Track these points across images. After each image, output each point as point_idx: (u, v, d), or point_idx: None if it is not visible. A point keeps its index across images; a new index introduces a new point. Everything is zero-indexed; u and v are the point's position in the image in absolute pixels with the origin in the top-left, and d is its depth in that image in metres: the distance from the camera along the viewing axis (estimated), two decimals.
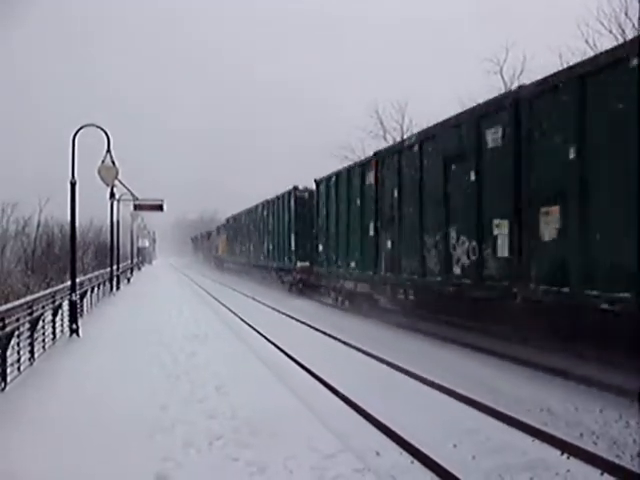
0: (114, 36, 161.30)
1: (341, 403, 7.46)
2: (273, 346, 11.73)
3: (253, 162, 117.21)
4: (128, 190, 26.24)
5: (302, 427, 5.88)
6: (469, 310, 10.87)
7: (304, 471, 4.82)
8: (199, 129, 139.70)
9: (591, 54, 21.80)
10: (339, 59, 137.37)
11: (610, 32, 23.63)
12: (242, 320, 16.11)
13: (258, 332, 13.63)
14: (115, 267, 25.53)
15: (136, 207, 28.78)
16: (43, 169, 54.61)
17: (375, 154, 15.26)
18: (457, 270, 10.85)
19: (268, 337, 12.67)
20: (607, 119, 7.51)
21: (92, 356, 9.89)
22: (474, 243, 10.28)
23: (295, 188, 23.80)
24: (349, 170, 16.95)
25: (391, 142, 39.49)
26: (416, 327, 12.76)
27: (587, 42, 24.23)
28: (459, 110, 12.87)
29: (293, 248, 23.41)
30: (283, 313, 17.45)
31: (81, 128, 12.77)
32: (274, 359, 10.28)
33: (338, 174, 17.73)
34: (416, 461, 5.49)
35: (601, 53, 8.29)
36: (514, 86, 29.45)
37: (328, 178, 18.64)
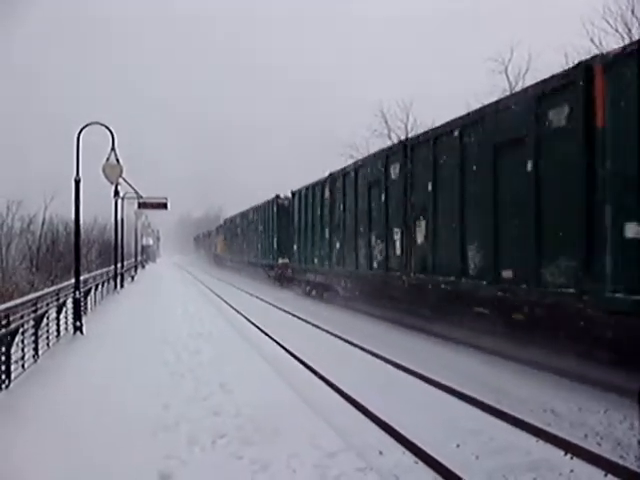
0: (117, 36, 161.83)
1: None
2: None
3: (258, 160, 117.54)
4: (132, 188, 26.34)
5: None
6: (383, 292, 14.92)
7: (307, 469, 4.83)
8: (202, 128, 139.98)
9: (597, 53, 21.76)
10: (343, 57, 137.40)
11: (616, 31, 23.52)
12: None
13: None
14: (119, 265, 25.58)
15: (140, 205, 28.85)
16: (48, 167, 54.71)
17: (330, 174, 18.83)
18: (375, 264, 14.92)
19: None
20: (445, 167, 11.48)
21: (96, 354, 9.91)
22: (384, 245, 14.21)
23: (277, 196, 27.77)
24: (314, 186, 20.51)
25: (396, 140, 39.50)
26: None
27: (592, 41, 24.11)
28: (464, 110, 13.91)
29: (276, 247, 27.28)
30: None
31: (86, 126, 12.79)
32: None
33: (307, 188, 21.36)
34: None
35: (444, 123, 11.97)
36: (519, 85, 29.55)
37: (300, 191, 22.41)
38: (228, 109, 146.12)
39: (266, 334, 13.14)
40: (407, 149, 13.13)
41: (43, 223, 43.74)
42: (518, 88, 29.13)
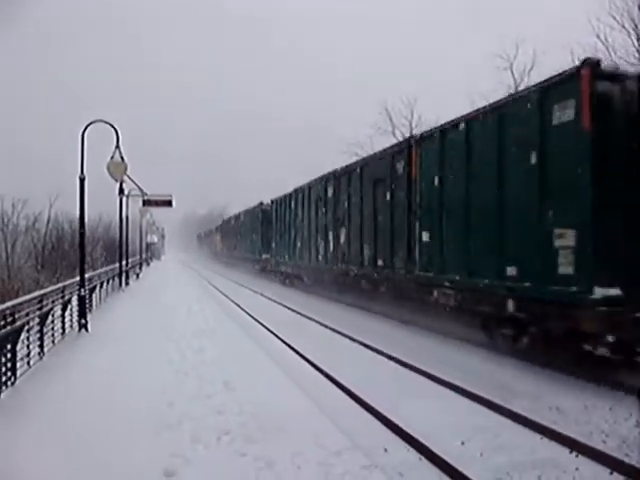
0: (122, 35, 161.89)
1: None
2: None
3: (262, 159, 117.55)
4: (137, 186, 26.27)
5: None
6: (322, 279, 20.42)
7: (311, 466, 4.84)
8: (206, 127, 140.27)
9: (603, 50, 21.71)
10: (349, 54, 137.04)
11: (623, 27, 23.33)
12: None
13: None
14: (124, 263, 25.62)
15: (145, 203, 28.76)
16: (53, 165, 54.84)
17: (294, 189, 24.40)
18: (320, 258, 20.26)
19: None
20: (353, 193, 16.86)
21: (101, 351, 9.92)
22: (324, 244, 19.56)
23: (261, 203, 33.58)
24: (286, 196, 25.93)
25: (400, 138, 39.58)
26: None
27: (598, 37, 23.93)
28: (469, 107, 14.50)
29: (259, 245, 32.92)
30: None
31: (90, 124, 12.79)
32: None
33: (282, 198, 26.67)
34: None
35: (352, 163, 19.03)
36: (524, 82, 29.46)
37: (277, 200, 28.00)
38: (234, 111, 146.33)
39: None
40: (336, 177, 18.77)
41: (48, 221, 43.90)
42: (523, 84, 29.04)
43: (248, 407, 6.37)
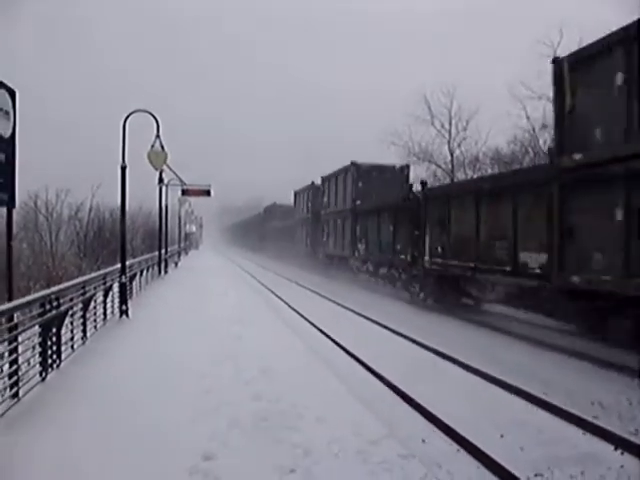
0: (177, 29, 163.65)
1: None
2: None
3: (293, 152, 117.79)
4: (176, 175, 26.63)
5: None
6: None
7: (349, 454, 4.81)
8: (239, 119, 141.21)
9: None
10: (384, 46, 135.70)
11: None
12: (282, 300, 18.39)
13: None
14: (163, 251, 26.01)
15: (184, 192, 29.14)
16: (96, 155, 56.05)
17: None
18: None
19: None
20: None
21: (141, 337, 10.12)
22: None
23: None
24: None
25: (439, 127, 39.31)
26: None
27: None
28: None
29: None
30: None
31: (131, 113, 12.97)
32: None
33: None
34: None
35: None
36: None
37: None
38: (264, 110, 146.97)
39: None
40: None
41: (90, 210, 45.00)
42: None
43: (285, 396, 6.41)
